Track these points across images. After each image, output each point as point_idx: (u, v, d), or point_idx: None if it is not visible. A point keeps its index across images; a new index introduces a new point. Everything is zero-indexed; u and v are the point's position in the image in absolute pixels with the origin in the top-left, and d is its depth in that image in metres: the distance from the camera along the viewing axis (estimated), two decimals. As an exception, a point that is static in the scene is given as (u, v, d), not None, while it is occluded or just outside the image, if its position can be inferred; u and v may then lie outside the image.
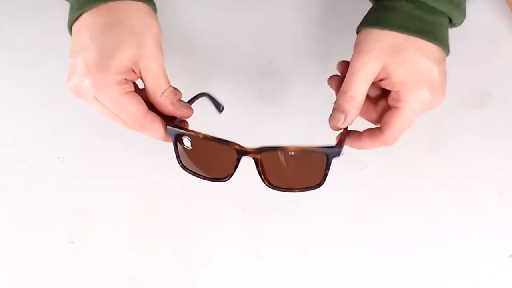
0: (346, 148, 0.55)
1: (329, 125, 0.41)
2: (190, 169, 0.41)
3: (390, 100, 0.40)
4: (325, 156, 0.38)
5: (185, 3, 0.58)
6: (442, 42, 0.40)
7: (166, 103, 0.39)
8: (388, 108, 0.40)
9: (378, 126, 0.41)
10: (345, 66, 0.41)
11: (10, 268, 0.51)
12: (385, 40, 0.38)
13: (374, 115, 0.42)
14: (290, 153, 0.38)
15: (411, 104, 0.38)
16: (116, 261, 0.51)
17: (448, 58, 0.58)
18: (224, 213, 0.53)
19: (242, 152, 0.38)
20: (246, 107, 0.56)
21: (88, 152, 0.54)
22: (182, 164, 0.41)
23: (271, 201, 0.53)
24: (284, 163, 0.40)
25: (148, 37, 0.37)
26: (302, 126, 0.55)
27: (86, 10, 0.37)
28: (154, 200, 0.53)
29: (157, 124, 0.39)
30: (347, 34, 0.60)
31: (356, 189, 0.54)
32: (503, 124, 0.55)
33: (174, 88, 0.41)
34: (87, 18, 0.37)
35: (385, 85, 0.39)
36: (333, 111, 0.40)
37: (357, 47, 0.39)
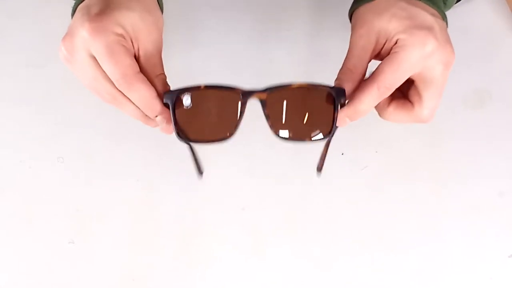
0: (346, 148, 0.55)
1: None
2: (191, 137, 0.38)
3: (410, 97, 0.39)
4: (332, 97, 0.37)
5: (185, 3, 0.58)
6: (436, 3, 0.39)
7: (159, 84, 0.38)
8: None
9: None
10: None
11: (10, 268, 0.51)
12: (372, 9, 0.38)
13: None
14: (297, 91, 0.36)
15: (409, 49, 0.35)
16: (116, 261, 0.51)
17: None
18: (224, 213, 0.53)
19: (247, 93, 0.36)
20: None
21: (88, 152, 0.54)
22: (183, 133, 0.38)
23: (271, 201, 0.53)
24: (292, 104, 0.37)
25: (152, 20, 0.37)
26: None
27: None
28: (154, 200, 0.53)
29: (146, 86, 0.36)
30: (347, 34, 0.60)
31: (356, 189, 0.54)
32: (503, 124, 0.55)
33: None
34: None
35: (387, 49, 0.37)
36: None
37: (352, 26, 0.40)
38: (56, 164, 0.54)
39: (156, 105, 0.38)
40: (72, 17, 0.38)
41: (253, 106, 0.58)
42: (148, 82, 0.37)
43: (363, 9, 0.39)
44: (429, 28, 0.36)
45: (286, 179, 0.54)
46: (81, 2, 0.38)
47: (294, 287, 0.51)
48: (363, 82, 0.38)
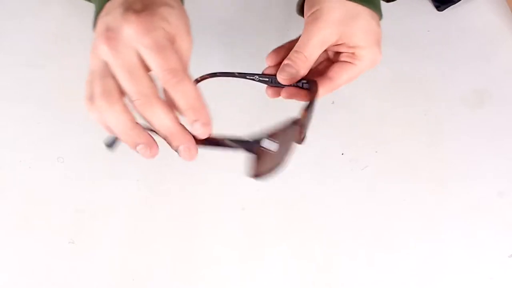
0: (346, 148, 0.55)
1: (279, 77, 0.43)
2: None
3: (342, 58, 0.43)
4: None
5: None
6: (378, 8, 0.43)
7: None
8: (332, 62, 0.44)
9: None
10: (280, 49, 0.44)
11: (10, 268, 0.51)
12: (340, 8, 0.41)
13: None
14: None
15: (365, 62, 0.42)
16: (116, 261, 0.51)
17: (448, 58, 0.59)
18: (224, 213, 0.53)
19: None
20: (246, 107, 0.56)
21: (88, 152, 0.54)
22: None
23: (271, 201, 0.53)
24: None
25: (187, 19, 0.37)
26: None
27: None
28: (154, 200, 0.53)
29: (194, 85, 0.34)
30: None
31: (356, 189, 0.54)
32: (503, 124, 0.55)
33: None
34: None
35: (339, 48, 0.43)
36: (284, 65, 0.42)
37: (314, 14, 0.41)
38: (56, 164, 0.54)
39: (202, 105, 0.35)
40: (98, 14, 0.37)
41: (254, 107, 0.58)
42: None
43: (328, 3, 0.41)
44: (379, 43, 0.43)
45: (286, 179, 0.54)
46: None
47: (294, 287, 0.51)
48: (321, 83, 0.43)
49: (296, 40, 0.43)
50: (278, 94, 0.44)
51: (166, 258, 0.51)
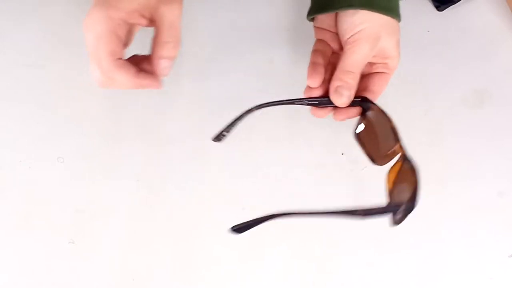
0: (346, 148, 0.55)
1: (336, 101, 0.44)
2: None
3: (376, 69, 0.47)
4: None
5: (185, 3, 0.58)
6: (399, 15, 0.46)
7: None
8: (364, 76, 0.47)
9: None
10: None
11: (10, 268, 0.51)
12: (378, 26, 0.43)
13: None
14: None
15: (393, 70, 0.47)
16: (116, 261, 0.51)
17: (448, 58, 0.59)
18: (224, 213, 0.53)
19: None
20: (245, 107, 0.56)
21: (88, 152, 0.54)
22: None
23: (271, 201, 0.53)
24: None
25: None
26: (303, 125, 0.55)
27: None
28: (154, 200, 0.53)
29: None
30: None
31: (356, 189, 0.54)
32: (503, 124, 0.55)
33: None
34: None
35: (372, 59, 0.45)
36: (340, 88, 0.44)
37: (358, 35, 0.43)
38: (56, 164, 0.54)
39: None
40: None
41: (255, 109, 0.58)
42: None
43: (369, 17, 0.43)
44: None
45: (286, 179, 0.54)
46: None
47: (294, 287, 0.51)
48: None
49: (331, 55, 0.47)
50: (326, 114, 0.47)
51: (166, 258, 0.51)
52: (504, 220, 0.53)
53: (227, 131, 0.46)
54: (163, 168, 0.54)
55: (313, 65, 0.46)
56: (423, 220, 0.53)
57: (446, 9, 0.60)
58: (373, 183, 0.54)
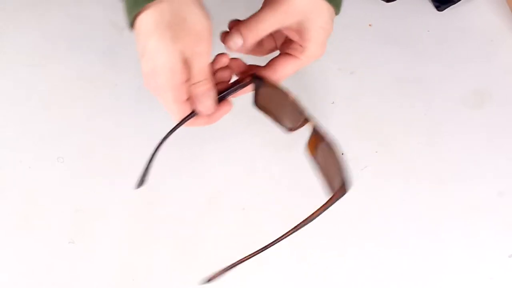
0: (346, 147, 0.55)
1: (225, 44, 0.42)
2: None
3: (289, 49, 0.43)
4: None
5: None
6: (339, 5, 0.43)
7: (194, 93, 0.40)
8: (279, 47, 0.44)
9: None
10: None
11: (10, 268, 0.51)
12: (305, 4, 0.40)
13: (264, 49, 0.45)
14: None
15: (308, 59, 0.42)
16: (116, 261, 0.51)
17: (448, 58, 0.58)
18: (224, 213, 0.53)
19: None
20: (245, 107, 0.56)
21: (88, 152, 0.54)
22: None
23: (271, 201, 0.53)
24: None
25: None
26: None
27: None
28: (154, 200, 0.53)
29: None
30: (347, 33, 0.60)
31: (356, 189, 0.53)
32: (503, 124, 0.55)
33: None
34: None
35: (289, 33, 0.42)
36: (233, 32, 0.41)
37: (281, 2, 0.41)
38: (56, 164, 0.54)
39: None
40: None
41: (252, 108, 0.58)
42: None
43: None
44: (326, 41, 0.43)
45: (286, 179, 0.54)
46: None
47: (294, 287, 0.51)
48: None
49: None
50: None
51: (166, 258, 0.51)
52: (504, 220, 0.53)
53: (146, 174, 0.44)
54: (163, 168, 0.54)
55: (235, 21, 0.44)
56: (423, 220, 0.53)
57: (446, 9, 0.60)
58: (373, 183, 0.54)
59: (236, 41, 0.41)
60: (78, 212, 0.52)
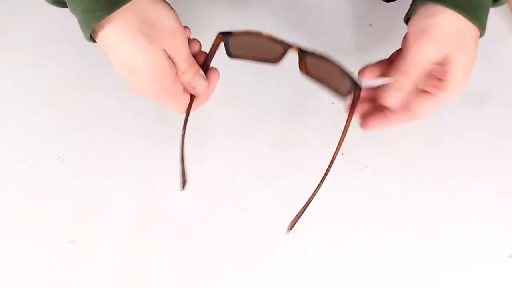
0: (346, 148, 0.55)
1: (386, 103, 0.40)
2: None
3: (427, 87, 0.39)
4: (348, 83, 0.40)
5: (186, 2, 0.58)
6: (485, 28, 0.39)
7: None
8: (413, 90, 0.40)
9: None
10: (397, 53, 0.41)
11: (10, 268, 0.51)
12: (454, 25, 0.37)
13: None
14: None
15: (450, 93, 0.38)
16: (116, 261, 0.51)
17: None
18: (224, 213, 0.53)
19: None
20: (244, 107, 0.56)
21: (88, 152, 0.54)
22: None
23: (271, 201, 0.53)
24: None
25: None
26: (303, 125, 0.55)
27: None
28: (154, 200, 0.53)
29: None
30: (347, 33, 0.60)
31: (356, 189, 0.54)
32: (503, 124, 0.55)
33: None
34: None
35: (434, 68, 0.38)
36: (389, 89, 0.39)
37: (427, 26, 0.38)
38: (56, 164, 0.54)
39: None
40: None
41: (252, 108, 0.58)
42: None
43: (444, 18, 0.37)
44: (470, 70, 0.39)
45: (286, 179, 0.54)
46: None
47: (294, 287, 0.51)
48: (401, 114, 0.41)
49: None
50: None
51: (166, 258, 0.51)
52: (504, 220, 0.53)
53: (185, 172, 0.44)
54: (163, 168, 0.54)
55: (375, 64, 0.43)
56: (423, 220, 0.53)
57: (446, 9, 0.60)
58: (373, 183, 0.54)
59: (397, 95, 0.39)
60: (78, 212, 0.52)
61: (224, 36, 0.41)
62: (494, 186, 0.53)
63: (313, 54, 0.40)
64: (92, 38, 0.38)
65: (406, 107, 0.40)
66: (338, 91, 0.42)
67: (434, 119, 0.56)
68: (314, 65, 0.41)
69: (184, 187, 0.42)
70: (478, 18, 0.37)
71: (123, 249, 0.52)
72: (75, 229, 0.52)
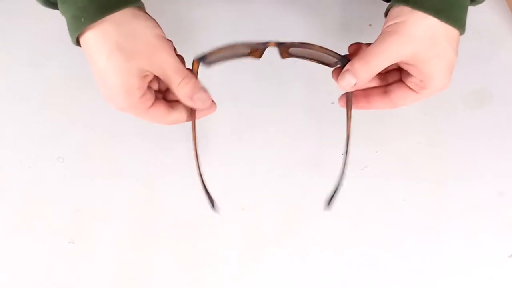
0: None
1: (338, 83, 0.40)
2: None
3: (409, 83, 0.40)
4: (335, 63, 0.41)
5: (187, 2, 0.58)
6: (463, 27, 0.39)
7: (180, 96, 0.39)
8: (398, 82, 0.41)
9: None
10: (357, 46, 0.42)
11: (10, 268, 0.51)
12: (423, 25, 0.37)
13: (381, 88, 0.43)
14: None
15: (430, 92, 0.40)
16: (116, 261, 0.51)
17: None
18: (224, 213, 0.53)
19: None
20: (244, 107, 0.56)
21: (88, 152, 0.54)
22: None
23: (271, 201, 0.53)
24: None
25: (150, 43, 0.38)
26: (302, 125, 0.55)
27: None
28: (154, 200, 0.53)
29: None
30: (347, 33, 0.60)
31: (356, 189, 0.54)
32: (503, 124, 0.55)
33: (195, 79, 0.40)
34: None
35: (408, 68, 0.39)
36: (346, 71, 0.39)
37: (396, 26, 0.38)
38: (56, 164, 0.54)
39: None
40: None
41: (252, 108, 0.58)
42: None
43: (414, 17, 0.37)
44: (452, 71, 0.40)
45: (286, 179, 0.54)
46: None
47: (294, 287, 0.51)
48: (382, 99, 0.42)
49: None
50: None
51: (166, 258, 0.51)
52: (504, 220, 0.53)
53: (208, 192, 0.44)
54: (163, 168, 0.54)
55: (356, 43, 0.42)
56: (423, 220, 0.53)
57: (446, 9, 0.60)
58: (373, 183, 0.54)
59: (350, 81, 0.39)
60: (78, 212, 0.52)
61: (200, 60, 0.40)
62: (494, 186, 0.53)
63: (293, 44, 0.39)
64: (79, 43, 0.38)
65: (387, 95, 0.42)
66: (325, 64, 0.42)
67: (434, 119, 0.56)
68: (297, 51, 0.41)
69: (214, 207, 0.42)
70: (450, 18, 0.37)
71: (123, 249, 0.52)
72: (75, 229, 0.52)
